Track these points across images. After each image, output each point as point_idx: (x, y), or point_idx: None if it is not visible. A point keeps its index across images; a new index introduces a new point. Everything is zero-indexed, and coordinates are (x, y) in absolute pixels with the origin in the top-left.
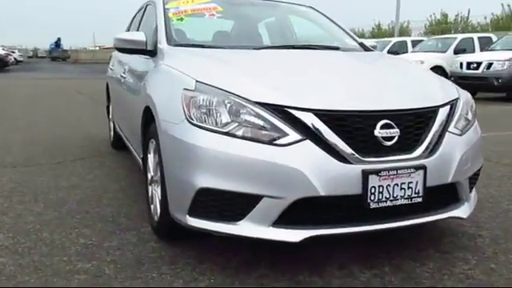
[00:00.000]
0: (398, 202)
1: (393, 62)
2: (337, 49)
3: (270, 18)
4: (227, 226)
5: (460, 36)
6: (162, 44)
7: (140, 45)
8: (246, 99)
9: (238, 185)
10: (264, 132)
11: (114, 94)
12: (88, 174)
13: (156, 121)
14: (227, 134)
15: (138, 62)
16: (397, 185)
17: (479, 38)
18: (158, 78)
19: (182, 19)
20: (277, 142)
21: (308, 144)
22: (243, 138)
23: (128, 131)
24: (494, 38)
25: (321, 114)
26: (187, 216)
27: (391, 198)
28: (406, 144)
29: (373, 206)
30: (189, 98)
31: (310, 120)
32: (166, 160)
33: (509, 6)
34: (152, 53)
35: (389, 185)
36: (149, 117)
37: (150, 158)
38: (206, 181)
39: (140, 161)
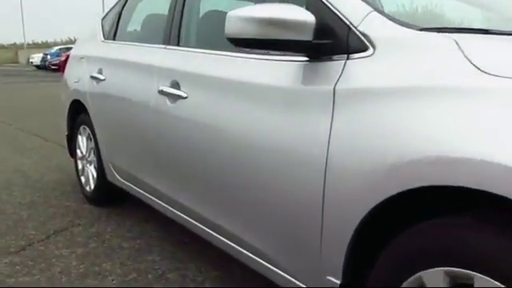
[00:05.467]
0: None
1: None
2: None
3: None
4: None
5: None
6: (384, 29)
7: (305, 32)
8: None
9: None
10: None
11: (120, 125)
12: (94, 267)
13: None
14: None
15: (251, 70)
16: None
17: None
18: None
19: None
20: None
21: None
22: None
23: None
24: None
25: None
26: None
27: None
28: None
29: None
30: None
31: None
32: None
33: None
34: (330, 47)
35: None
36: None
37: None
38: None
39: None
